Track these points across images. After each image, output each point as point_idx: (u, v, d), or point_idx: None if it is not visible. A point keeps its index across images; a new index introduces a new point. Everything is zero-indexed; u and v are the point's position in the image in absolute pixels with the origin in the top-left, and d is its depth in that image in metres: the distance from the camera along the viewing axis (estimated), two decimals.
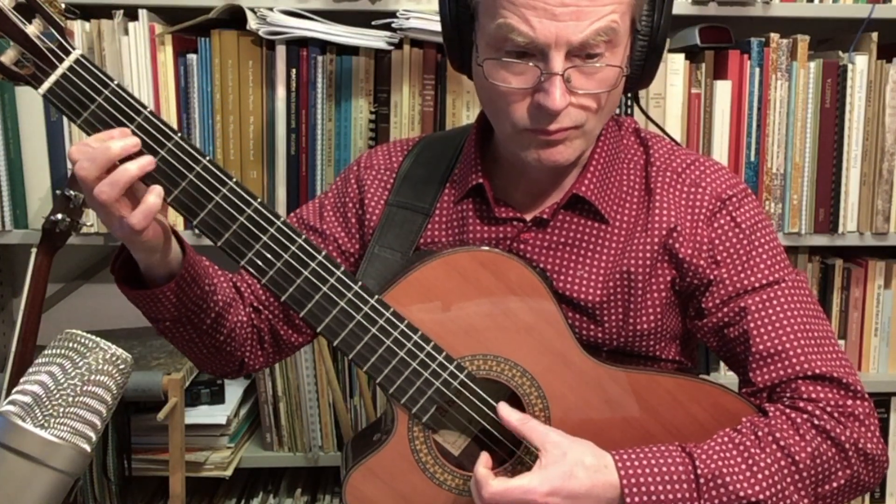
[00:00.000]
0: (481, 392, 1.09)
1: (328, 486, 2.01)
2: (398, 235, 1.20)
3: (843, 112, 1.80)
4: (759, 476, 1.02)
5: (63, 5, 0.98)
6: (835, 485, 1.05)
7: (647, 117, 1.41)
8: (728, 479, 1.01)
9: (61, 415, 0.76)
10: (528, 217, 1.16)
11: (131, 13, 1.70)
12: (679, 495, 1.01)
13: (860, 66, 1.79)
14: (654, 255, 1.13)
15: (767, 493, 1.01)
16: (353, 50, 1.73)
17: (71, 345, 0.80)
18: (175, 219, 1.77)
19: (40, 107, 1.73)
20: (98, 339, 0.81)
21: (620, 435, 1.09)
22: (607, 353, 1.16)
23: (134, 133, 0.97)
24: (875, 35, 1.78)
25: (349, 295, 1.05)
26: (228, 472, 1.83)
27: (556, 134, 1.05)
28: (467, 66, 1.13)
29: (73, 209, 1.60)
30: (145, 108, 0.97)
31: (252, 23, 1.66)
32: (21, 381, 0.79)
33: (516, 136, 1.08)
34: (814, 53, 1.82)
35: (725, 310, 1.12)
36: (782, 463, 1.03)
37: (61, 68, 0.95)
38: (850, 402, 1.07)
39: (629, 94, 1.70)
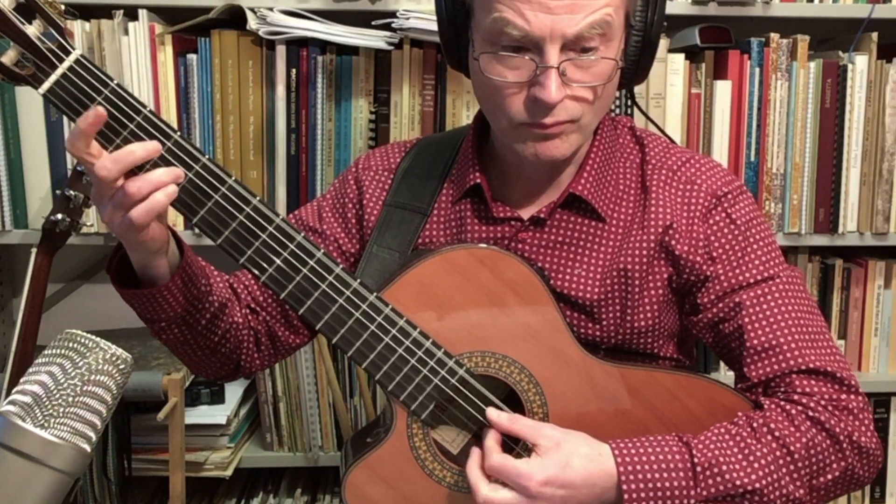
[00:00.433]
0: (480, 388, 1.09)
1: (328, 486, 2.01)
2: (396, 235, 1.20)
3: (843, 112, 1.80)
4: (756, 465, 1.03)
5: (63, 6, 0.99)
6: (829, 477, 1.06)
7: (647, 117, 1.42)
8: (725, 467, 1.02)
9: (61, 415, 0.76)
10: (526, 216, 1.17)
11: (131, 13, 1.70)
12: (676, 483, 1.01)
13: (860, 66, 1.79)
14: (650, 253, 1.14)
15: (764, 481, 1.02)
16: (353, 50, 1.73)
17: (71, 345, 0.80)
18: (175, 218, 1.77)
19: (40, 107, 1.74)
20: (98, 339, 0.81)
21: (618, 430, 1.09)
22: (605, 351, 1.16)
23: (134, 132, 0.97)
24: (875, 35, 1.79)
25: (348, 292, 1.06)
26: (228, 472, 1.83)
27: (552, 128, 1.06)
28: (464, 63, 1.14)
29: (73, 209, 1.60)
30: (145, 107, 0.98)
31: (252, 23, 1.66)
32: (21, 381, 0.79)
33: (513, 130, 1.08)
34: (814, 53, 1.82)
35: (720, 305, 1.13)
36: (777, 454, 1.04)
37: (61, 68, 0.96)
38: (843, 396, 1.08)
39: (628, 95, 1.71)
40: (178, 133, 0.99)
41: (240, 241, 1.02)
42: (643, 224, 1.15)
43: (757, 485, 1.02)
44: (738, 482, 1.02)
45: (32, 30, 0.95)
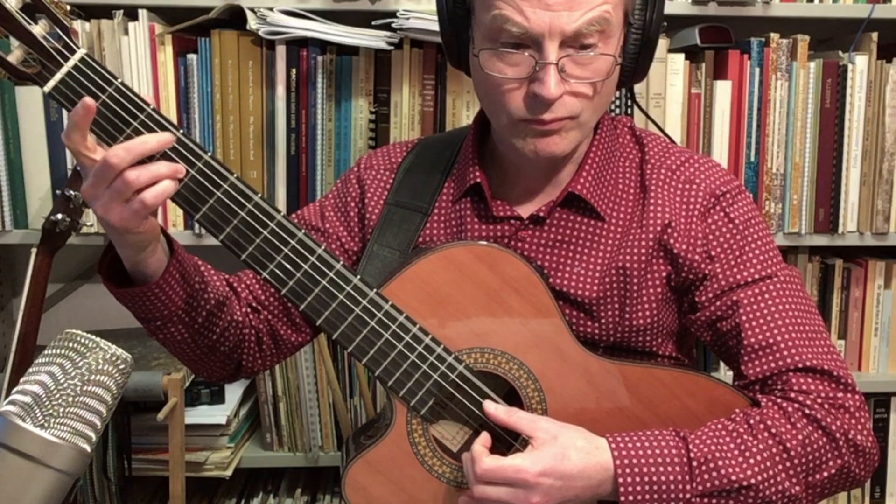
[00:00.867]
0: (479, 385, 1.10)
1: (328, 486, 2.01)
2: (397, 234, 1.21)
3: (843, 112, 1.80)
4: (752, 461, 1.03)
5: (68, 6, 1.00)
6: (825, 474, 1.06)
7: (647, 116, 1.42)
8: (720, 462, 1.03)
9: (61, 415, 0.76)
10: (525, 215, 1.17)
11: (131, 13, 1.70)
12: (672, 477, 1.02)
13: (860, 66, 1.79)
14: (649, 251, 1.15)
15: (759, 477, 1.03)
16: (353, 50, 1.73)
17: (71, 345, 0.80)
18: (175, 218, 1.77)
19: (40, 107, 1.74)
20: (98, 339, 0.81)
21: (616, 426, 1.09)
22: (604, 350, 1.17)
23: (137, 129, 0.98)
24: (875, 35, 1.79)
25: (348, 288, 1.06)
26: (228, 472, 1.83)
27: (551, 124, 1.07)
28: (465, 61, 1.15)
29: (73, 209, 1.60)
30: (148, 105, 0.99)
31: (252, 23, 1.66)
32: (21, 381, 0.79)
33: (512, 127, 1.09)
34: (814, 53, 1.82)
35: (718, 303, 1.13)
36: (774, 450, 1.04)
37: (66, 67, 0.97)
38: (840, 394, 1.08)
39: (628, 95, 1.71)
40: (182, 130, 1.00)
41: (241, 238, 1.03)
42: (642, 223, 1.15)
43: (752, 480, 1.03)
44: (733, 477, 1.02)
45: (38, 29, 0.97)
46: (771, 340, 1.10)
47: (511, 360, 1.10)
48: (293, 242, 1.05)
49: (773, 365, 1.10)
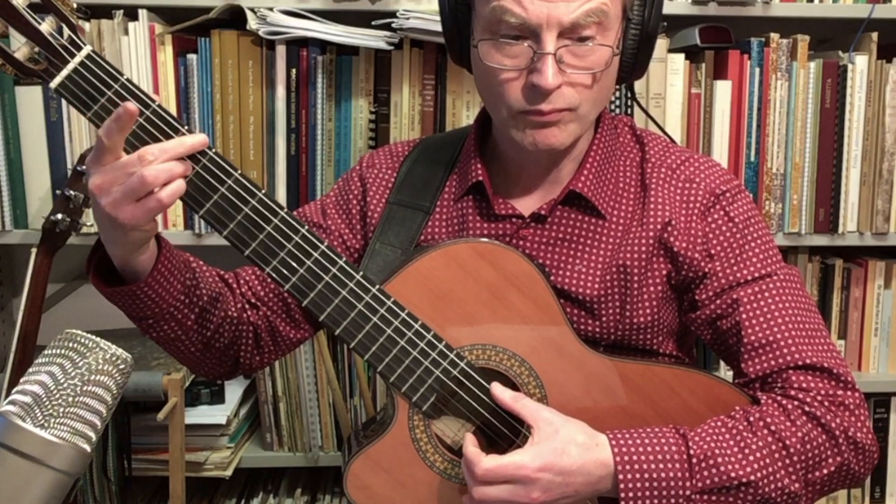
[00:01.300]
0: (481, 381, 1.10)
1: (328, 486, 2.01)
2: (399, 233, 1.22)
3: (843, 112, 1.80)
4: (751, 458, 1.04)
5: (75, 4, 1.01)
6: (825, 471, 1.07)
7: (648, 116, 1.42)
8: (720, 459, 1.03)
9: (61, 415, 0.76)
10: (527, 213, 1.18)
11: (131, 13, 1.70)
12: (671, 474, 1.02)
13: (860, 66, 1.79)
14: (649, 250, 1.15)
15: (759, 474, 1.03)
16: (353, 50, 1.74)
17: (71, 345, 0.80)
18: (175, 218, 1.77)
19: (40, 107, 1.74)
20: (98, 339, 0.81)
21: (617, 424, 1.10)
22: (605, 348, 1.17)
23: (143, 126, 0.99)
24: (875, 35, 1.79)
25: (351, 284, 1.07)
26: (228, 472, 1.83)
27: (549, 115, 1.08)
28: (466, 57, 1.17)
29: (73, 209, 1.60)
30: (154, 101, 1.00)
31: (252, 23, 1.66)
32: (21, 381, 0.79)
33: (511, 119, 1.10)
34: (814, 53, 1.82)
35: (718, 302, 1.13)
36: (773, 447, 1.04)
37: (73, 63, 0.98)
38: (840, 392, 1.08)
39: (629, 94, 1.71)
40: (186, 127, 1.01)
41: (245, 234, 1.04)
42: (642, 221, 1.16)
43: (752, 477, 1.03)
44: (733, 474, 1.02)
45: (46, 27, 0.98)
46: (771, 338, 1.10)
47: (512, 357, 1.11)
48: (297, 238, 1.05)
49: (772, 363, 1.10)
